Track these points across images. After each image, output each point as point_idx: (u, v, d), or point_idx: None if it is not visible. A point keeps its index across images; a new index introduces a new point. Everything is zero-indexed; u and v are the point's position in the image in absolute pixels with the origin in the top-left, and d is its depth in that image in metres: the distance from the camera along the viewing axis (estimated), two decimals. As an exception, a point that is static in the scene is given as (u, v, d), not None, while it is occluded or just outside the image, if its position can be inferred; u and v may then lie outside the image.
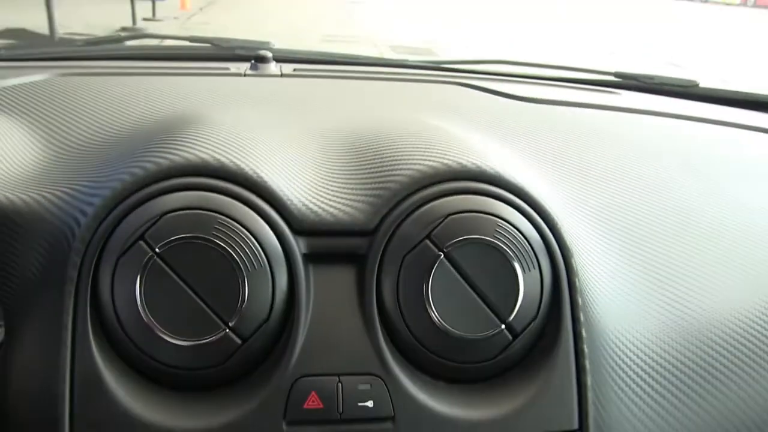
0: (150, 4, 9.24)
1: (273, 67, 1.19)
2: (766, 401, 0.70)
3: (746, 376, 0.70)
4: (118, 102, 0.86)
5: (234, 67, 1.20)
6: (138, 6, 8.67)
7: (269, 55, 1.21)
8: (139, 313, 0.55)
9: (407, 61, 1.47)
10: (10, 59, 1.22)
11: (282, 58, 1.27)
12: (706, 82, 1.45)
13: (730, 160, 1.00)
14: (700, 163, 0.96)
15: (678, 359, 0.67)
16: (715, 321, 0.71)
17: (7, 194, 0.63)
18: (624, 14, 19.50)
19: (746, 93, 1.43)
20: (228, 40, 1.38)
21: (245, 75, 1.14)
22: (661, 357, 0.67)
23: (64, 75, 1.02)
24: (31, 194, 0.64)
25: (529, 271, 0.60)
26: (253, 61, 1.20)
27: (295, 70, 1.22)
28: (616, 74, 1.45)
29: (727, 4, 31.49)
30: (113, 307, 0.56)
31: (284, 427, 0.56)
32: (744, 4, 31.58)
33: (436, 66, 1.43)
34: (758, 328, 0.72)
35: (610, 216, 0.76)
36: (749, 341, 0.71)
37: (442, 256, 0.58)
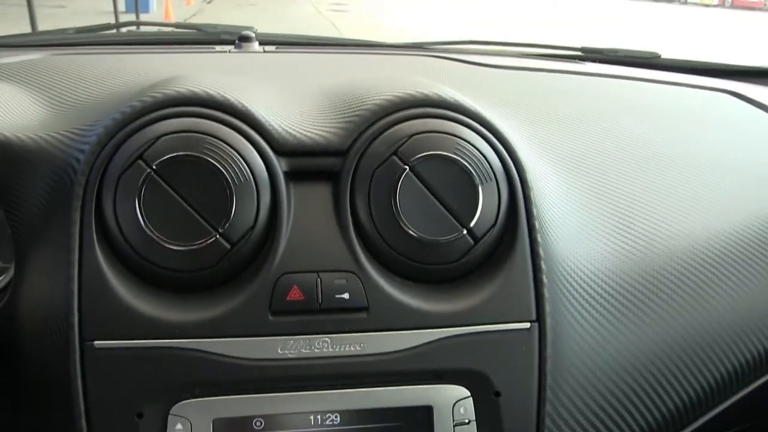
0: (133, 16, 9.30)
1: (256, 47, 1.27)
2: (701, 322, 0.78)
3: (686, 296, 0.78)
4: (112, 71, 0.93)
5: (219, 48, 1.27)
6: (122, 17, 8.73)
7: (252, 35, 1.28)
8: (140, 222, 0.62)
9: (385, 42, 1.54)
10: (5, 45, 1.28)
11: (265, 40, 1.34)
12: (667, 54, 1.53)
13: (684, 110, 1.09)
14: (656, 112, 1.04)
15: (625, 275, 0.75)
16: (662, 244, 0.79)
17: (16, 134, 0.70)
18: (602, 15, 19.74)
19: (704, 62, 1.52)
20: (214, 26, 1.45)
21: (230, 52, 1.21)
22: (609, 271, 0.75)
23: (57, 55, 1.10)
24: (39, 134, 0.71)
25: (487, 182, 0.67)
26: (237, 41, 1.28)
27: (277, 48, 1.30)
28: (582, 49, 1.53)
29: (706, 6, 31.91)
30: (116, 219, 0.63)
31: (270, 317, 0.64)
32: (722, 5, 31.99)
33: (413, 45, 1.51)
34: (704, 253, 0.81)
35: (564, 151, 0.84)
36: (693, 266, 0.79)
37: (408, 169, 0.66)
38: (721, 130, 1.04)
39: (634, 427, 0.74)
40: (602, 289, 0.73)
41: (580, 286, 0.72)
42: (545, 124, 0.90)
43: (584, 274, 0.73)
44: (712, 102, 1.17)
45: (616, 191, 0.82)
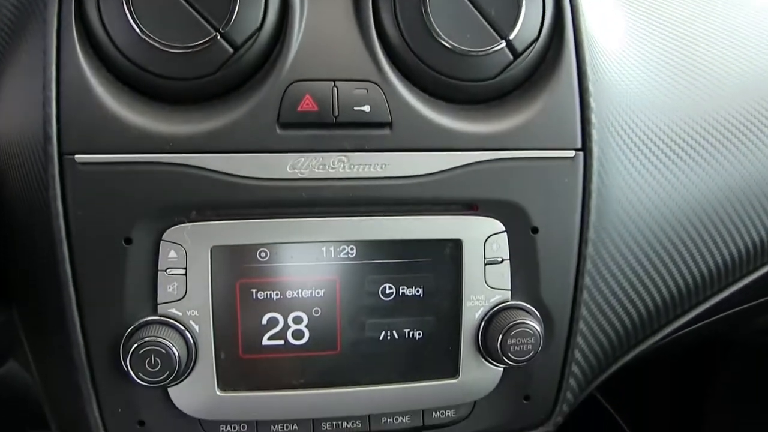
0: None
1: None
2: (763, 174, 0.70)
3: (748, 144, 0.69)
4: None
5: None
6: None
7: None
8: (128, 21, 0.53)
9: None
10: None
11: None
12: None
13: None
14: None
15: (683, 116, 0.67)
16: (725, 88, 0.70)
17: None
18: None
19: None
20: None
21: None
22: (666, 107, 0.66)
23: None
24: None
25: None
26: None
27: None
28: None
29: None
30: (100, 18, 0.54)
31: (278, 130, 0.55)
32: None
33: None
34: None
35: None
36: (757, 114, 0.70)
37: None
38: None
39: (678, 278, 0.67)
40: (657, 126, 0.65)
41: (631, 119, 0.63)
42: None
43: (636, 107, 0.64)
44: None
45: (676, 28, 0.72)
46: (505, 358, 0.58)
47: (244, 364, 0.58)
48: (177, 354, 0.55)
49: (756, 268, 0.72)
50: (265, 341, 0.58)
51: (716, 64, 0.71)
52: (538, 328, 0.59)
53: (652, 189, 0.64)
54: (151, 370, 0.55)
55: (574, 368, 0.64)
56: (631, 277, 0.64)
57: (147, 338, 0.54)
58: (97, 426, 0.59)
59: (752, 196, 0.69)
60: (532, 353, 0.59)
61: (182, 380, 0.57)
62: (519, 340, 0.58)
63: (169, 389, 0.58)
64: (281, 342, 0.58)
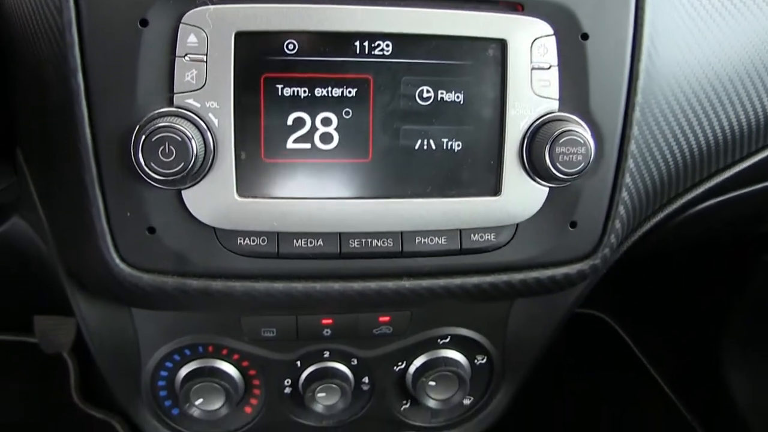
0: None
1: None
2: None
3: None
4: None
5: None
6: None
7: None
8: None
9: None
10: None
11: None
12: None
13: None
14: None
15: None
16: None
17: None
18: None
19: None
20: None
21: None
22: None
23: None
24: None
25: None
26: None
27: None
28: None
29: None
30: None
31: None
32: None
33: None
34: None
35: None
36: None
37: None
38: None
39: (732, 118, 0.62)
40: None
41: None
42: None
43: None
44: None
45: None
46: (553, 170, 0.53)
47: (266, 167, 0.53)
48: (194, 146, 0.49)
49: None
50: (290, 144, 0.53)
51: None
52: (590, 139, 0.53)
53: (709, 29, 0.60)
54: (164, 160, 0.49)
55: (624, 195, 0.58)
56: (684, 106, 0.60)
57: (161, 125, 0.49)
58: (104, 234, 0.53)
59: None
60: (582, 165, 0.53)
61: (198, 182, 0.52)
62: (568, 149, 0.53)
63: (183, 193, 0.52)
64: (308, 146, 0.53)
